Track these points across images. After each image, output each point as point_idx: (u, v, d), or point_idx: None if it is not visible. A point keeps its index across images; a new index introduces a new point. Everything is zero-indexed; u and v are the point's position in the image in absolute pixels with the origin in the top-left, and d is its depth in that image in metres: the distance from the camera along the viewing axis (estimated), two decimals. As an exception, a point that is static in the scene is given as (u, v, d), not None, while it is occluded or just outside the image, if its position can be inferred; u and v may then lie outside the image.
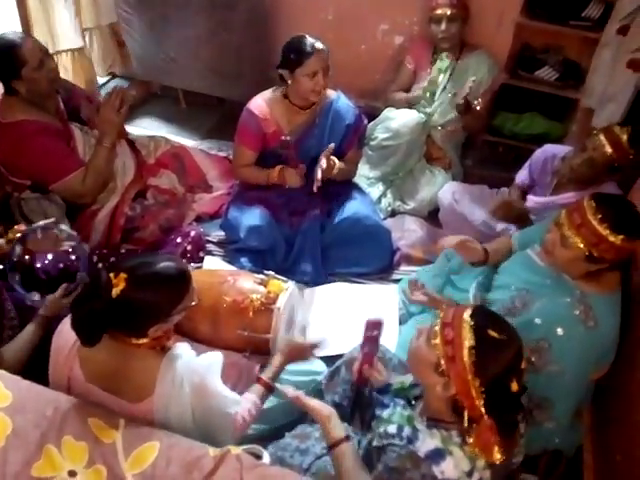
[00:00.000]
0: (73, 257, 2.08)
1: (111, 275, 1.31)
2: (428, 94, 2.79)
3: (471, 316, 1.24)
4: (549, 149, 2.40)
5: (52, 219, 1.93)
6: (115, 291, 1.30)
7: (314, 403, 1.52)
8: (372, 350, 1.61)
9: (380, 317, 1.60)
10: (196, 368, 1.43)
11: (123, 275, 1.31)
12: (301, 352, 1.79)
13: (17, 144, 2.15)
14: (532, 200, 2.39)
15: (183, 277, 1.41)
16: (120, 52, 3.61)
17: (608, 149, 2.02)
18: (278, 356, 1.73)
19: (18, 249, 1.83)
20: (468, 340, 1.21)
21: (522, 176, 2.52)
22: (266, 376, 1.67)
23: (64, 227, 1.92)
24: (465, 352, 1.20)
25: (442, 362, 1.23)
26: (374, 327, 1.58)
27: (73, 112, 2.39)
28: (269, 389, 1.67)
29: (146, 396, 1.39)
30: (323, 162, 2.36)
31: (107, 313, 1.31)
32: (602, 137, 2.04)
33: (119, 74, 3.71)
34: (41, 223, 1.87)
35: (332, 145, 2.37)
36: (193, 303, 1.45)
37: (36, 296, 1.87)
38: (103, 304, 1.30)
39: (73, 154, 2.30)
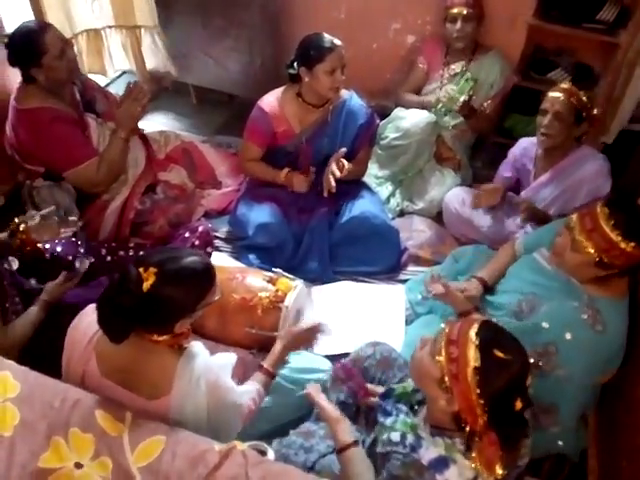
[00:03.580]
0: (75, 240, 2.13)
1: (140, 270, 1.31)
2: (444, 109, 2.70)
3: (477, 334, 1.22)
4: (524, 141, 2.49)
5: (52, 207, 1.98)
6: (145, 285, 1.29)
7: (325, 403, 1.55)
8: (359, 382, 1.66)
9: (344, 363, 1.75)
10: (212, 367, 1.43)
11: (153, 270, 1.30)
12: (304, 338, 1.81)
13: (34, 131, 2.18)
14: (524, 195, 2.42)
15: (209, 272, 1.41)
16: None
17: (562, 96, 2.13)
18: (278, 344, 1.74)
19: (18, 236, 1.88)
20: (473, 360, 1.19)
21: (506, 173, 2.53)
22: (267, 364, 1.69)
23: (67, 217, 1.96)
24: (470, 372, 1.19)
25: (446, 379, 1.23)
26: (345, 372, 1.67)
27: (88, 104, 2.40)
28: (271, 377, 1.68)
29: (162, 394, 1.39)
30: (334, 168, 2.36)
31: (136, 309, 1.30)
32: (551, 93, 2.17)
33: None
34: (43, 212, 1.92)
35: (344, 149, 2.36)
36: (216, 298, 1.45)
37: (33, 282, 1.96)
38: (133, 299, 1.29)
39: (88, 143, 2.31)
